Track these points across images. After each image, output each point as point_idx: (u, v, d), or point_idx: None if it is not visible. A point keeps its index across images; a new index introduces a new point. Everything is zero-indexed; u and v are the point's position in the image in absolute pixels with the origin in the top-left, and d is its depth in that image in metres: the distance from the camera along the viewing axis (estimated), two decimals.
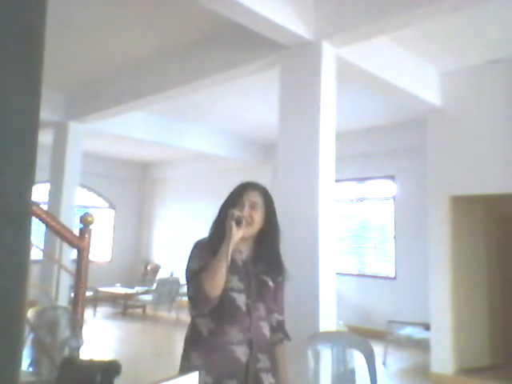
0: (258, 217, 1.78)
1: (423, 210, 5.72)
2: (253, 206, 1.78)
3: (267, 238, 1.83)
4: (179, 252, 8.69)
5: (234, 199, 1.80)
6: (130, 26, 4.24)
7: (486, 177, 4.82)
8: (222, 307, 1.67)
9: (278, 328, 1.86)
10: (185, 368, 1.72)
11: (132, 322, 8.12)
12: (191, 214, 9.92)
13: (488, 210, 5.45)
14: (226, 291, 1.68)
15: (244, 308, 1.70)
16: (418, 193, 6.66)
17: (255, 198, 1.80)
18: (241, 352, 1.66)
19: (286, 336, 1.88)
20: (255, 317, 1.72)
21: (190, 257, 1.78)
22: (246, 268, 1.77)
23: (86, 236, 2.98)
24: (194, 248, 1.80)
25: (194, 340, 1.74)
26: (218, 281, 1.62)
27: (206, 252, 1.74)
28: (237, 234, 1.67)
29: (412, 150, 6.91)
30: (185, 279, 1.76)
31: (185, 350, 1.77)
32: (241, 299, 1.71)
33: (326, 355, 3.08)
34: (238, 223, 1.68)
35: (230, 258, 1.65)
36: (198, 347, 1.70)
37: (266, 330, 1.77)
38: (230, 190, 1.90)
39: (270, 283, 1.80)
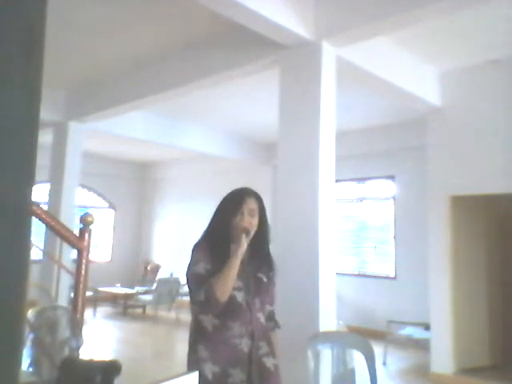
0: (256, 222, 1.97)
1: (423, 210, 5.72)
2: (251, 214, 1.96)
3: (260, 239, 2.01)
4: (179, 252, 8.70)
5: (234, 208, 1.95)
6: (130, 25, 4.24)
7: (486, 177, 4.82)
8: (225, 305, 1.82)
9: (270, 317, 2.05)
10: (193, 360, 1.88)
11: (132, 322, 8.13)
12: (191, 214, 9.92)
13: (488, 210, 5.45)
14: None
15: (244, 304, 1.88)
16: (418, 193, 6.65)
17: (252, 205, 1.97)
18: (244, 343, 1.85)
19: (277, 325, 2.10)
20: (254, 311, 1.90)
21: (192, 260, 1.90)
22: (243, 267, 1.91)
23: (86, 236, 2.98)
24: (194, 251, 1.92)
25: (199, 335, 1.89)
26: (229, 287, 1.82)
27: (207, 254, 1.89)
28: (246, 244, 1.90)
29: (412, 149, 6.91)
30: (189, 282, 1.89)
31: (191, 344, 1.92)
32: (240, 296, 1.88)
33: (326, 355, 3.08)
34: (247, 235, 1.91)
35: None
36: (204, 341, 1.86)
37: (263, 320, 1.97)
38: (228, 191, 2.04)
39: (265, 279, 1.99)
